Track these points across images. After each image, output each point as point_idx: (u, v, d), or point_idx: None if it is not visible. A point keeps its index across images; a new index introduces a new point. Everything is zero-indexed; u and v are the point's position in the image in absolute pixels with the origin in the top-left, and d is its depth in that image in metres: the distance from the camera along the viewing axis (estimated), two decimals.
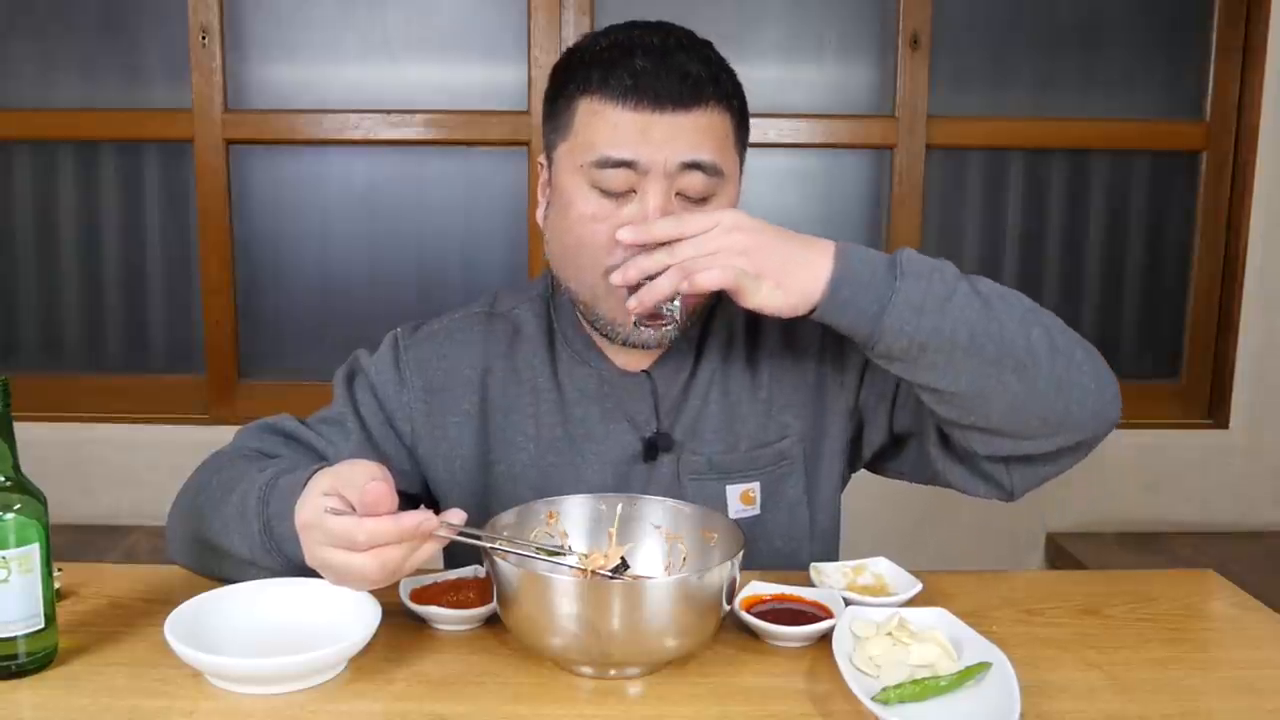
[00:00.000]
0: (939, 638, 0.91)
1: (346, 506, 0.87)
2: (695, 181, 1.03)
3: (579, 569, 0.93)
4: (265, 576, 0.98)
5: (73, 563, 1.10)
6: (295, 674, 0.86)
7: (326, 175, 2.48)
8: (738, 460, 1.16)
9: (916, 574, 1.05)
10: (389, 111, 2.40)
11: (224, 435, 1.17)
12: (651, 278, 0.97)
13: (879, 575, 1.08)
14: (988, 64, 2.47)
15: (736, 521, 1.08)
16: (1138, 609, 1.06)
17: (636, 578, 0.94)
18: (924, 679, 0.85)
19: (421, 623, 0.99)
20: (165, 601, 0.96)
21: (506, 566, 0.88)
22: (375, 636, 0.90)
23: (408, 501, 1.16)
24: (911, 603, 1.00)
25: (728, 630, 0.97)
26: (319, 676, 0.88)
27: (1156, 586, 1.13)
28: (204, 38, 2.37)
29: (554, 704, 0.86)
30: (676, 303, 1.00)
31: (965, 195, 2.52)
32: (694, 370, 1.17)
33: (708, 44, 1.08)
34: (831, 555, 1.23)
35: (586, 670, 0.89)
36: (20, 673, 0.88)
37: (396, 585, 0.98)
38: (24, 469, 0.89)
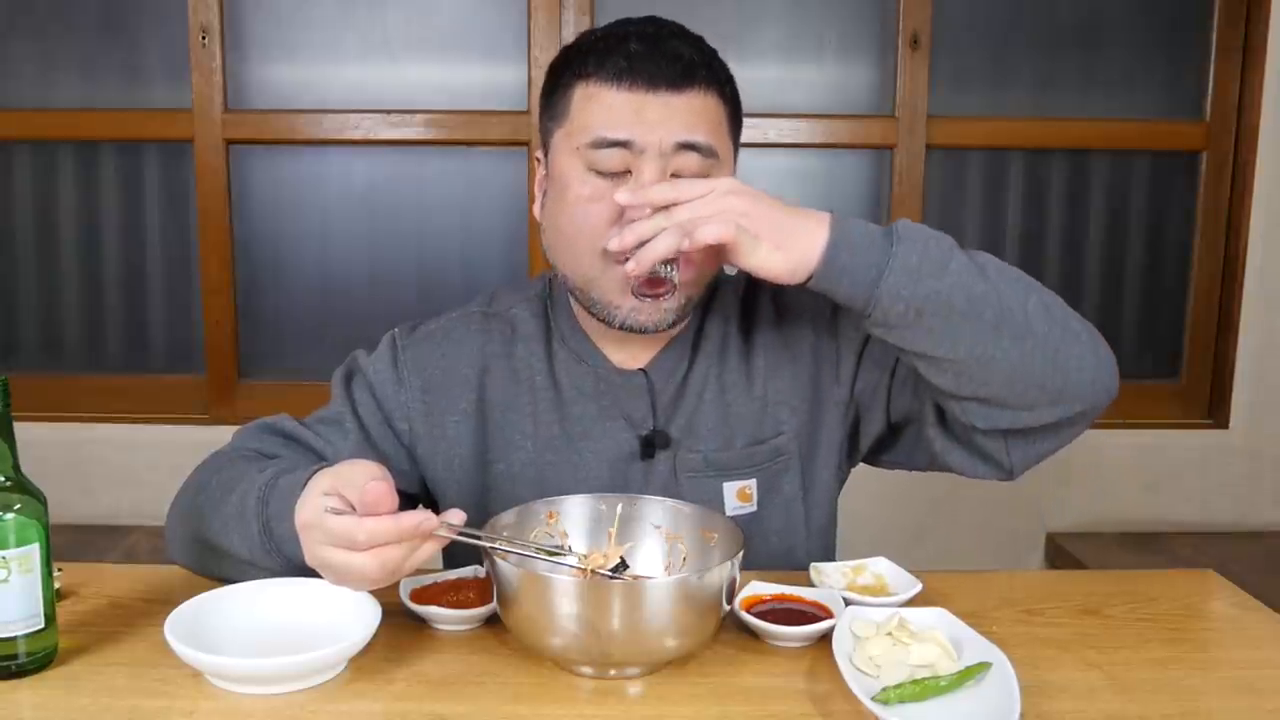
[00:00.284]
0: (939, 638, 0.91)
1: (346, 506, 0.87)
2: (690, 162, 1.04)
3: (579, 569, 0.93)
4: (265, 576, 0.98)
5: (73, 563, 1.10)
6: (295, 674, 0.86)
7: (326, 175, 2.48)
8: (734, 457, 1.16)
9: (916, 574, 1.05)
10: (389, 111, 2.40)
11: (224, 435, 1.17)
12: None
13: (879, 575, 1.08)
14: (988, 64, 2.47)
15: (734, 519, 1.09)
16: (1138, 609, 1.06)
17: (636, 578, 0.94)
18: (924, 679, 0.85)
19: (421, 623, 0.99)
20: (165, 601, 0.96)
21: (506, 566, 0.88)
22: (375, 636, 0.90)
23: (407, 501, 1.16)
24: (911, 603, 1.00)
25: (728, 630, 0.97)
26: (319, 676, 0.88)
27: (1156, 586, 1.13)
28: (204, 38, 2.37)
29: (554, 704, 0.86)
30: (675, 271, 1.00)
31: (965, 195, 2.52)
32: (690, 368, 1.17)
33: (699, 36, 1.11)
34: (828, 551, 1.23)
35: (586, 670, 0.89)
36: (20, 673, 0.88)
37: (396, 585, 0.98)
38: (24, 469, 0.89)
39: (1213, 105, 2.48)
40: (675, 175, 1.04)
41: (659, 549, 1.03)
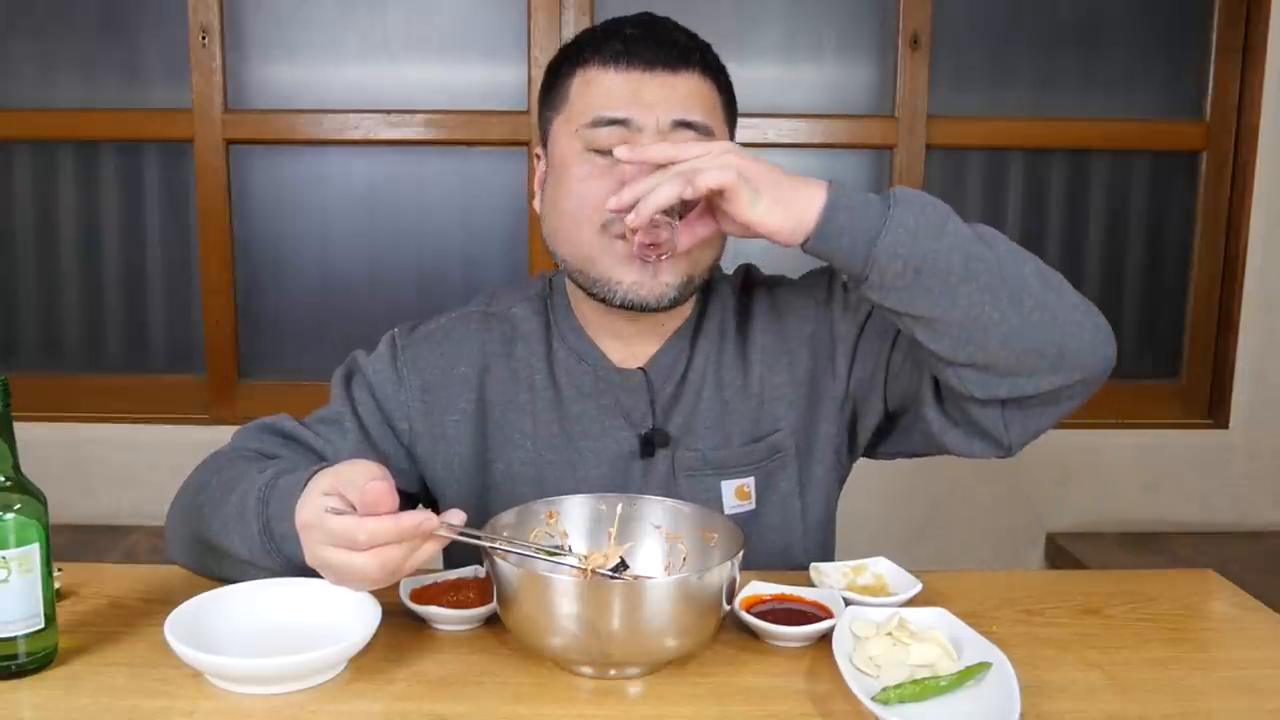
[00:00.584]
0: (939, 638, 0.91)
1: (347, 506, 0.87)
2: (687, 140, 1.05)
3: (579, 569, 0.93)
4: (265, 576, 0.98)
5: (73, 563, 1.10)
6: (295, 674, 0.86)
7: (326, 175, 2.48)
8: (732, 455, 1.16)
9: (916, 574, 1.05)
10: (389, 111, 2.40)
11: (224, 435, 1.17)
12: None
13: (879, 575, 1.08)
14: (988, 64, 2.47)
15: (733, 517, 1.09)
16: (1138, 609, 1.06)
17: (636, 578, 0.94)
18: (924, 679, 0.85)
19: (421, 623, 0.99)
20: (165, 601, 0.96)
21: (506, 566, 0.88)
22: (375, 636, 0.90)
23: (406, 501, 1.16)
24: (911, 603, 1.00)
25: (728, 630, 0.97)
26: (319, 676, 0.88)
27: (1156, 586, 1.12)
28: (204, 38, 2.37)
29: (554, 704, 0.86)
30: (675, 231, 1.00)
31: (965, 195, 2.52)
32: (688, 366, 1.17)
33: (694, 32, 1.14)
34: (826, 548, 1.23)
35: (586, 670, 0.89)
36: (20, 673, 0.88)
37: (396, 585, 0.98)
38: (24, 469, 0.89)
39: (1213, 105, 2.48)
40: None
41: (659, 549, 1.03)
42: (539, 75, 1.26)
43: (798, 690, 0.88)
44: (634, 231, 0.99)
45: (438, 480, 1.18)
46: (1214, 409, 2.57)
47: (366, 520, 0.85)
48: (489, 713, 0.85)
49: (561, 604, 0.85)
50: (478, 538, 0.89)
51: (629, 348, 1.17)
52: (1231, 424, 2.53)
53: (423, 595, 1.00)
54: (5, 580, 0.86)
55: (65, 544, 1.06)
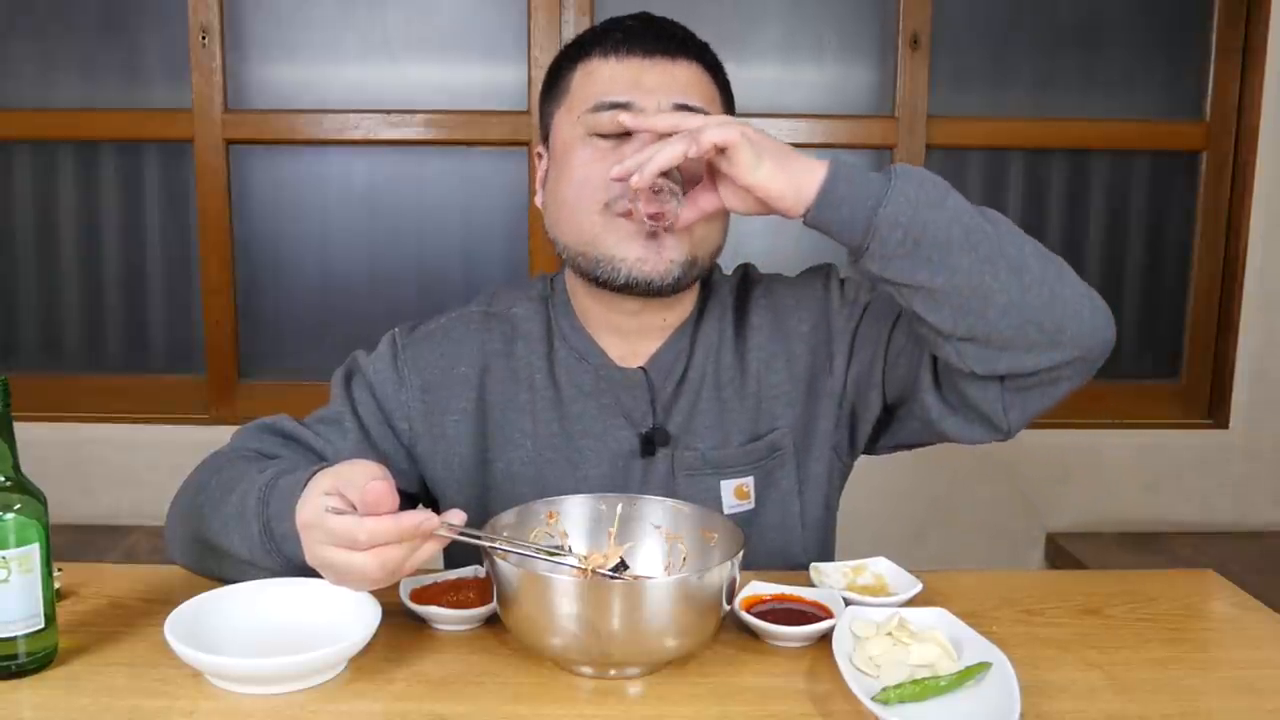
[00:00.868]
0: (939, 638, 0.91)
1: (347, 506, 0.87)
2: None
3: (579, 569, 0.93)
4: (265, 576, 0.98)
5: (73, 563, 1.10)
6: (295, 674, 0.86)
7: (326, 175, 2.48)
8: (731, 455, 1.16)
9: (916, 574, 1.05)
10: (389, 111, 2.40)
11: (224, 435, 1.17)
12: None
13: (879, 575, 1.08)
14: (988, 64, 2.47)
15: (732, 517, 1.08)
16: (1138, 609, 1.06)
17: (636, 578, 0.94)
18: (924, 679, 0.85)
19: (421, 623, 0.99)
20: (165, 601, 0.96)
21: (506, 566, 0.88)
22: (375, 636, 0.90)
23: (406, 501, 1.16)
24: (911, 603, 1.00)
25: (728, 630, 0.97)
26: (319, 676, 0.88)
27: (1156, 586, 1.12)
28: (204, 38, 2.37)
29: (554, 704, 0.86)
30: (679, 200, 1.00)
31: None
32: (687, 366, 1.17)
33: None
34: (825, 546, 1.23)
35: (586, 670, 0.89)
36: (20, 673, 0.88)
37: (396, 585, 0.98)
38: (24, 469, 0.89)
39: (1213, 105, 2.48)
40: None
41: (659, 549, 1.03)
42: (539, 75, 1.27)
43: (798, 690, 0.88)
44: (637, 196, 1.00)
45: (438, 480, 1.18)
46: (1214, 409, 2.57)
47: (367, 520, 0.85)
48: (489, 713, 0.85)
49: (561, 604, 0.85)
50: (478, 538, 0.89)
51: (630, 345, 1.17)
52: (1231, 424, 2.53)
53: (423, 595, 1.00)
54: (5, 580, 0.86)
55: (65, 544, 1.06)
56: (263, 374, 2.53)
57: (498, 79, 2.43)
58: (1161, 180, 2.53)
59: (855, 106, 2.47)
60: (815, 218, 0.96)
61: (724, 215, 1.10)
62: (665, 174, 0.99)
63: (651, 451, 1.15)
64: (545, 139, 1.18)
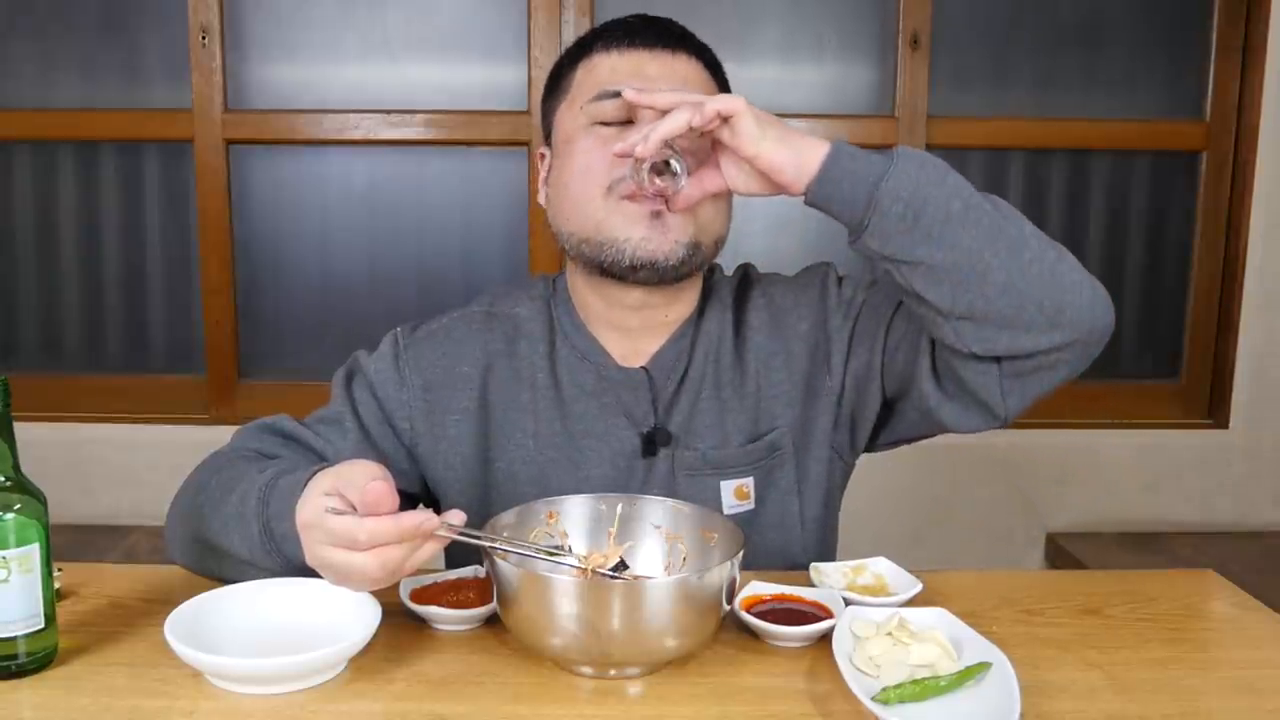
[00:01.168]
0: (939, 638, 0.91)
1: (347, 506, 0.87)
2: None
3: (579, 569, 0.93)
4: (265, 576, 0.98)
5: (73, 563, 1.10)
6: (295, 674, 0.86)
7: (326, 175, 2.48)
8: (730, 455, 1.16)
9: (916, 574, 1.05)
10: (389, 111, 2.40)
11: (224, 435, 1.17)
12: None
13: (879, 575, 1.08)
14: (988, 64, 2.48)
15: (733, 517, 1.08)
16: (1138, 609, 1.06)
17: (636, 577, 0.94)
18: (924, 679, 0.85)
19: (421, 623, 0.99)
20: (165, 601, 0.96)
21: (506, 566, 0.88)
22: (375, 636, 0.90)
23: (407, 501, 1.16)
24: (911, 603, 1.00)
25: (728, 630, 0.97)
26: (319, 676, 0.88)
27: (1156, 586, 1.12)
28: (204, 38, 2.37)
29: (554, 704, 0.86)
30: (683, 175, 1.01)
31: None
32: (688, 365, 1.17)
33: None
34: (824, 546, 1.23)
35: (586, 670, 0.89)
36: (20, 673, 0.88)
37: (396, 585, 0.98)
38: (24, 469, 0.89)
39: (1213, 105, 2.48)
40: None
41: (659, 549, 1.03)
42: (539, 75, 1.28)
43: (798, 690, 0.88)
44: (640, 168, 1.00)
45: (439, 480, 1.18)
46: (1214, 409, 2.57)
47: (367, 520, 0.85)
48: (489, 713, 0.85)
49: (561, 604, 0.85)
50: (478, 538, 0.89)
51: (632, 344, 1.17)
52: (1231, 424, 2.53)
53: (423, 595, 1.00)
54: (5, 580, 0.86)
55: (65, 544, 1.06)
56: (263, 374, 2.53)
57: (498, 79, 2.43)
58: (1162, 180, 2.53)
59: (855, 106, 2.47)
60: (816, 193, 0.96)
61: (727, 200, 1.11)
62: (670, 150, 1.00)
63: (653, 451, 1.15)
64: (548, 139, 1.19)
